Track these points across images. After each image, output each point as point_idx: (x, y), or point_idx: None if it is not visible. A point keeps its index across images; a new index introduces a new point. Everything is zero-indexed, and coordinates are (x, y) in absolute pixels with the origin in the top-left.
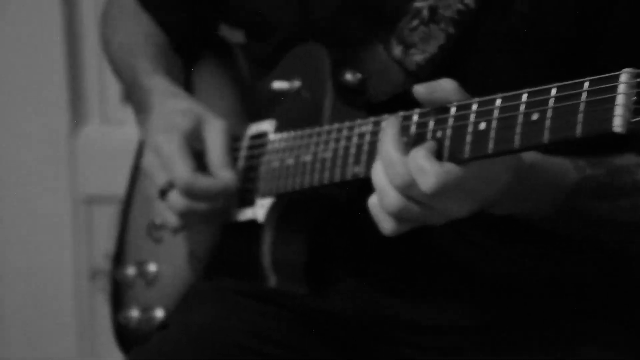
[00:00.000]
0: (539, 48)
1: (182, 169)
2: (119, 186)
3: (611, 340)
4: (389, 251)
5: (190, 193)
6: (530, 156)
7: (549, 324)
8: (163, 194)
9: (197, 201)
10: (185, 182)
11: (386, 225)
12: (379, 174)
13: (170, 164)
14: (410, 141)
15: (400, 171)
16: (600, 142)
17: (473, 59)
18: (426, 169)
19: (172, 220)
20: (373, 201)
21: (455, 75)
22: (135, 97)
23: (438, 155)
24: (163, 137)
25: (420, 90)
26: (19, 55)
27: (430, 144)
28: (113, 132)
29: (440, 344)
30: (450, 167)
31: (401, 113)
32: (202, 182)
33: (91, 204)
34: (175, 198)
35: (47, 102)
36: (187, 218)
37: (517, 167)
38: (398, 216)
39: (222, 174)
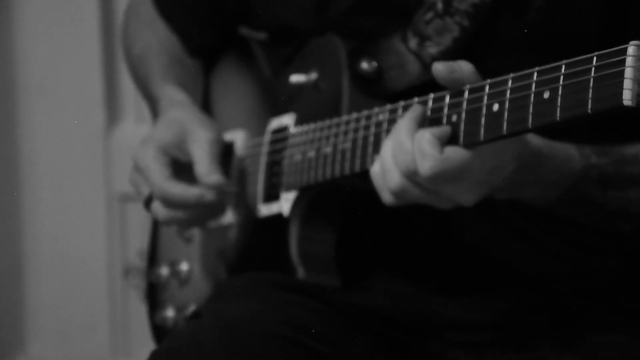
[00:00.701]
0: (558, 44)
1: (156, 179)
2: None
3: None
4: (422, 246)
5: (166, 201)
6: (536, 142)
7: (582, 322)
8: (147, 204)
9: (177, 210)
10: (158, 191)
11: (385, 197)
12: (387, 152)
13: (147, 175)
14: (426, 126)
15: (407, 158)
16: (612, 129)
17: (490, 55)
18: (426, 153)
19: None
20: (376, 170)
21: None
22: (150, 106)
23: (454, 140)
24: (140, 151)
25: (439, 68)
26: (56, 54)
27: (442, 129)
28: (147, 130)
29: (472, 339)
30: (449, 154)
31: (416, 99)
32: (175, 189)
33: (125, 202)
34: (158, 208)
35: (83, 100)
36: (173, 225)
37: (523, 154)
38: (398, 195)
39: (208, 178)
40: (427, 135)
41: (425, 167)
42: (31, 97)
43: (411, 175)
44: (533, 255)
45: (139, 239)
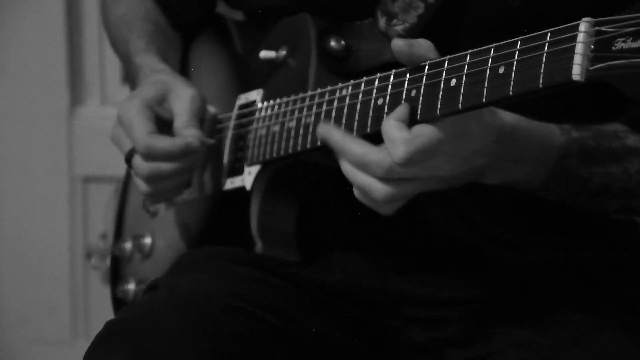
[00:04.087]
0: (537, 28)
1: (140, 132)
2: (117, 167)
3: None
4: (380, 224)
5: (150, 154)
6: (512, 118)
7: (538, 298)
8: (128, 160)
9: (160, 162)
10: (143, 144)
11: (383, 210)
12: (356, 175)
13: (130, 129)
14: (386, 104)
15: (377, 162)
16: (590, 111)
17: (464, 39)
18: (395, 138)
19: (142, 187)
20: (360, 196)
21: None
22: (129, 73)
23: (412, 117)
24: (123, 106)
25: (399, 43)
26: (19, 36)
27: (398, 110)
28: (112, 112)
29: (428, 315)
30: (418, 132)
31: (378, 74)
32: (161, 141)
33: (88, 184)
34: (139, 163)
35: (46, 82)
36: (154, 183)
37: (499, 127)
38: (392, 200)
39: (185, 132)
40: (391, 122)
41: (400, 151)
42: None
43: (389, 174)
44: (488, 238)
45: (102, 221)
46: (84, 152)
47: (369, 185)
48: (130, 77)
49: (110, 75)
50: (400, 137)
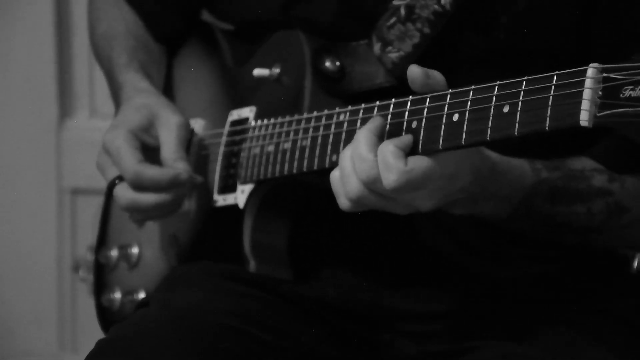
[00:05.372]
0: (523, 62)
1: (129, 162)
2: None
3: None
4: (371, 240)
5: (138, 184)
6: (493, 157)
7: (525, 312)
8: (111, 188)
9: (144, 193)
10: (132, 173)
11: (343, 203)
12: (346, 160)
13: (118, 158)
14: (385, 132)
15: (366, 167)
16: (560, 142)
17: (455, 69)
18: (391, 165)
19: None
20: (335, 175)
21: None
22: (112, 90)
23: (414, 147)
24: (110, 134)
25: (416, 71)
26: (9, 48)
27: (403, 139)
28: (101, 125)
29: (420, 329)
30: (413, 165)
31: (378, 102)
32: (150, 171)
33: (76, 196)
34: (121, 192)
35: (36, 94)
36: (134, 213)
37: (481, 167)
38: (356, 201)
39: (174, 165)
40: (390, 148)
41: (390, 179)
42: None
43: (371, 184)
44: (474, 254)
45: (90, 234)
46: (72, 164)
47: (348, 178)
48: (114, 95)
49: (99, 87)
50: (395, 166)
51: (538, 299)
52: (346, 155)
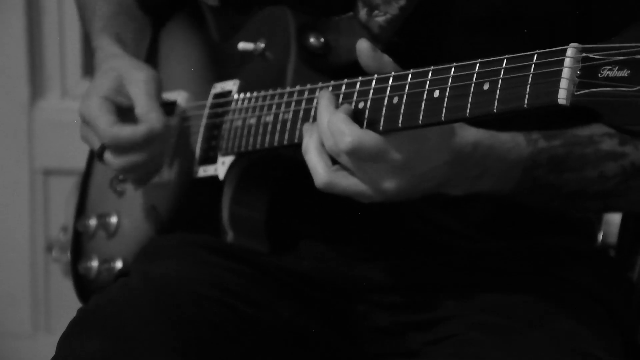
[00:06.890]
0: (519, 29)
1: (103, 127)
2: (77, 160)
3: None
4: (345, 213)
5: (118, 145)
6: (474, 136)
7: (494, 283)
8: (100, 156)
9: (129, 153)
10: (109, 137)
11: (317, 177)
12: (308, 151)
13: (94, 126)
14: (367, 109)
15: (325, 139)
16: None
17: (451, 36)
18: (344, 130)
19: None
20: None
21: (431, 51)
22: (92, 50)
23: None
24: (83, 104)
25: (364, 45)
26: None
27: (346, 107)
28: (72, 105)
29: (394, 300)
30: (368, 132)
31: (360, 77)
32: (125, 130)
33: (48, 177)
34: (110, 157)
35: (6, 75)
36: (130, 175)
37: (458, 148)
38: (327, 189)
39: (147, 117)
40: (341, 115)
41: (346, 142)
42: None
43: (335, 155)
44: (449, 232)
45: (63, 214)
46: (44, 144)
47: (315, 168)
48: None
49: (70, 68)
50: (348, 128)
51: (511, 272)
52: (306, 147)
